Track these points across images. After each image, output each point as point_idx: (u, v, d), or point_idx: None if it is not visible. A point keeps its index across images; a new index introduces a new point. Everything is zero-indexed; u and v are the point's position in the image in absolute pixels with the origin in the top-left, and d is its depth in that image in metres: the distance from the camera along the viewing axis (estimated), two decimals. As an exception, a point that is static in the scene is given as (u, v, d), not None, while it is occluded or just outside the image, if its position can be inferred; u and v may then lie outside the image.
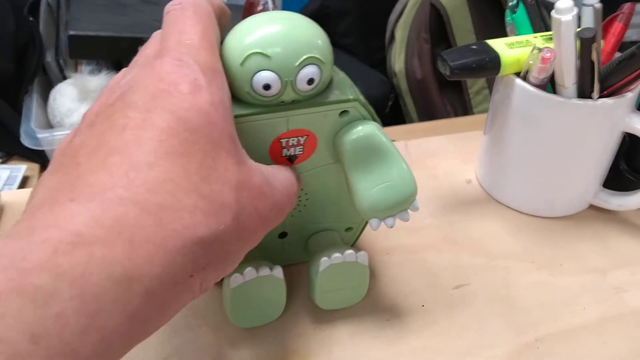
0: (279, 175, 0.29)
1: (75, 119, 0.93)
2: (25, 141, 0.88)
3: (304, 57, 0.29)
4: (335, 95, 0.31)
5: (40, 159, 0.91)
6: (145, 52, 0.28)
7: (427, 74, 1.09)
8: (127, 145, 0.22)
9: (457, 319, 0.37)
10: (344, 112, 0.32)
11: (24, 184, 0.86)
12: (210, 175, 0.23)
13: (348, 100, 0.31)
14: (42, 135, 0.88)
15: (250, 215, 0.25)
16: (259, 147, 0.32)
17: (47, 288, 0.19)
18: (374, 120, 0.33)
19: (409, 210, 0.34)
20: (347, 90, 0.32)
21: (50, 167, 0.24)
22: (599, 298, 0.38)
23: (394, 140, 0.34)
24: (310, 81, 0.29)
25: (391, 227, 0.33)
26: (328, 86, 0.32)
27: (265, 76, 0.29)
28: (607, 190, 0.44)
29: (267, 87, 0.29)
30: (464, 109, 1.10)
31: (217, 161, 0.24)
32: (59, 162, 0.24)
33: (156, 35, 0.29)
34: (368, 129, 0.32)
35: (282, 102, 0.30)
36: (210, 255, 0.23)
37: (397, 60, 1.12)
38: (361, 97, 0.32)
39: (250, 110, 0.30)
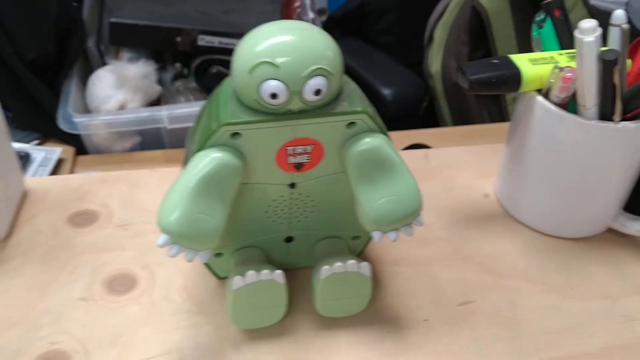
0: None
1: (112, 105, 0.95)
2: (62, 124, 0.90)
3: (312, 68, 0.29)
4: (343, 106, 0.31)
5: (76, 142, 0.94)
6: None
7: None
8: None
9: (458, 337, 0.37)
10: (351, 124, 0.32)
11: (58, 166, 0.88)
12: None
13: (355, 112, 0.31)
14: (78, 119, 0.90)
15: None
16: (266, 154, 0.32)
17: None
18: (382, 132, 0.33)
19: (413, 224, 0.33)
20: (355, 101, 0.32)
21: None
22: (607, 326, 0.38)
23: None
24: (317, 92, 0.30)
25: (394, 240, 0.33)
26: (337, 97, 0.32)
27: (272, 85, 0.29)
28: (627, 214, 0.43)
29: (274, 96, 0.29)
30: (500, 115, 1.08)
31: None
32: None
33: None
34: (375, 142, 0.32)
35: (289, 111, 0.30)
36: None
37: (434, 61, 1.11)
38: (369, 109, 0.32)
39: (257, 117, 0.30)
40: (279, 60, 0.29)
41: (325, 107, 0.31)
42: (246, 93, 0.30)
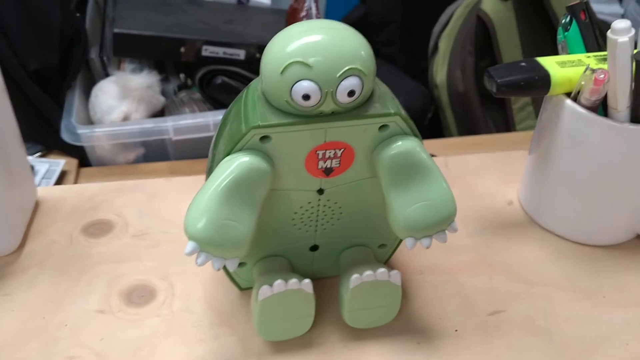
0: None
1: (115, 116, 0.93)
2: (65, 136, 0.89)
3: (346, 68, 0.28)
4: (375, 108, 0.30)
5: (79, 154, 0.92)
6: None
7: (469, 88, 1.07)
8: None
9: (490, 348, 0.35)
10: (384, 127, 0.31)
11: (61, 178, 0.87)
12: None
13: (389, 114, 0.30)
14: (82, 131, 0.89)
15: None
16: (295, 159, 0.31)
17: None
18: (415, 135, 0.32)
19: (446, 231, 0.32)
20: (388, 103, 0.31)
21: None
22: (643, 334, 0.37)
23: (433, 156, 0.33)
24: (351, 93, 0.28)
25: (427, 247, 0.32)
26: (369, 99, 0.31)
27: (305, 86, 0.28)
28: (656, 220, 0.42)
29: (306, 97, 0.28)
30: (507, 125, 1.07)
31: None
32: None
33: None
34: (408, 145, 0.31)
35: (321, 112, 0.29)
36: None
37: (439, 71, 1.10)
38: (402, 112, 0.31)
39: (288, 119, 0.29)
40: (312, 60, 0.28)
41: (358, 109, 0.30)
42: (277, 95, 0.29)
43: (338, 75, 0.28)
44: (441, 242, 0.32)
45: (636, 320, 0.37)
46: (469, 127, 1.10)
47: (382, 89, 0.32)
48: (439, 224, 0.32)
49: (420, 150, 0.31)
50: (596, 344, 0.36)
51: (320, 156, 0.31)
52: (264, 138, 0.30)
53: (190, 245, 0.29)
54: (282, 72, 0.28)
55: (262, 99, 0.30)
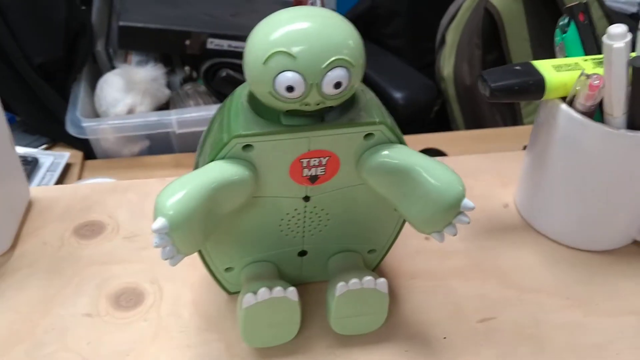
0: None
1: (120, 109, 0.94)
2: (70, 129, 0.89)
3: (332, 58, 0.27)
4: (360, 116, 0.30)
5: (84, 147, 0.93)
6: None
7: (476, 81, 1.06)
8: None
9: (479, 356, 0.35)
10: (369, 135, 0.30)
11: (66, 171, 0.87)
12: None
13: (373, 123, 0.30)
14: (86, 123, 0.89)
15: None
16: (280, 167, 0.31)
17: None
18: (401, 142, 0.31)
19: (464, 212, 0.31)
20: (373, 112, 0.30)
21: None
22: (635, 344, 0.36)
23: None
24: (338, 85, 0.27)
25: (454, 234, 0.31)
26: (354, 106, 0.30)
27: (289, 77, 0.27)
28: (654, 226, 0.41)
29: (290, 89, 0.27)
30: (514, 118, 1.06)
31: None
32: None
33: None
34: (393, 153, 0.30)
35: (306, 104, 0.28)
36: None
37: (446, 64, 1.09)
38: (388, 120, 0.30)
39: (270, 128, 0.29)
40: (296, 50, 0.26)
41: (342, 117, 0.30)
42: (260, 86, 0.28)
43: (324, 66, 0.26)
44: (464, 223, 0.31)
45: (629, 329, 0.37)
46: (476, 121, 1.09)
47: (368, 96, 0.31)
48: (448, 210, 0.30)
49: (405, 152, 0.31)
50: (587, 354, 0.35)
51: (304, 164, 0.31)
52: (247, 147, 0.29)
53: (160, 221, 0.28)
54: (264, 62, 0.27)
55: (246, 107, 0.30)
